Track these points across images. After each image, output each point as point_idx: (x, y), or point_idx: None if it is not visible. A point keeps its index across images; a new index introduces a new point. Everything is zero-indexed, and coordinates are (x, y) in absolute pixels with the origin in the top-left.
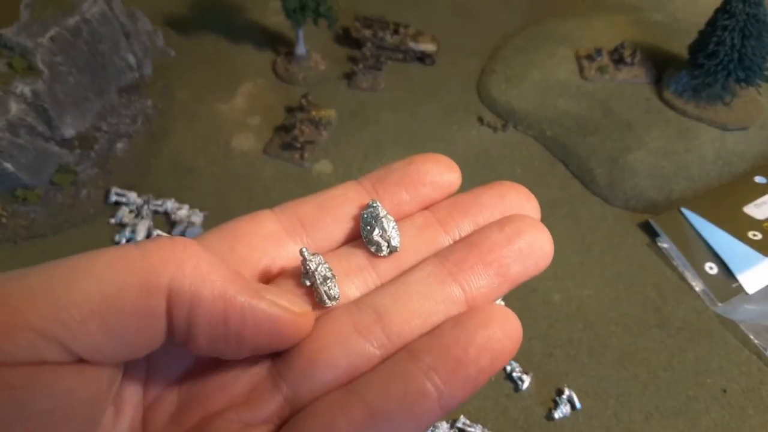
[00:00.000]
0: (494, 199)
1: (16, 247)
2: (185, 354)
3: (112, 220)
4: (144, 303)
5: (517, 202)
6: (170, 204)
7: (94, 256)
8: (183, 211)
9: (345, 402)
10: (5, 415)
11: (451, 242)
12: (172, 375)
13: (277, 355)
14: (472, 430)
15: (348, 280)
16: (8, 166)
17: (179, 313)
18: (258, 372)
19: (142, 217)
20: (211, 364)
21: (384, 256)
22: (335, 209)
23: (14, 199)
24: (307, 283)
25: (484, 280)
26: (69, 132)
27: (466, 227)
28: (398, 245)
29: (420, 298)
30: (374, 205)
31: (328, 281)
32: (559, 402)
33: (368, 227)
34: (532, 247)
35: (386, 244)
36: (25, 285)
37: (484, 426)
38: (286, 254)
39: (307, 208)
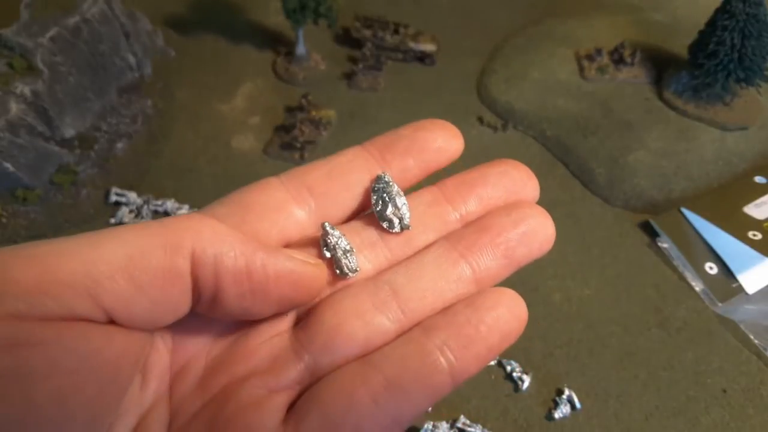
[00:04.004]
0: (498, 176)
1: None
2: (209, 325)
3: (112, 220)
4: (169, 262)
5: (519, 179)
6: (170, 204)
7: (119, 227)
8: (183, 211)
9: (364, 372)
10: (37, 370)
11: (458, 217)
12: (197, 345)
13: (299, 324)
14: (472, 430)
15: (361, 255)
16: (8, 166)
17: (205, 274)
18: (280, 341)
19: (142, 217)
20: (235, 335)
21: (396, 233)
22: (343, 177)
23: (14, 199)
24: (328, 255)
25: (492, 261)
26: (69, 132)
27: (472, 202)
28: (409, 223)
29: (433, 277)
30: (386, 179)
31: (347, 254)
32: (559, 402)
33: (381, 203)
34: (536, 231)
35: (398, 221)
36: (55, 247)
37: (484, 426)
38: (295, 223)
39: (315, 176)
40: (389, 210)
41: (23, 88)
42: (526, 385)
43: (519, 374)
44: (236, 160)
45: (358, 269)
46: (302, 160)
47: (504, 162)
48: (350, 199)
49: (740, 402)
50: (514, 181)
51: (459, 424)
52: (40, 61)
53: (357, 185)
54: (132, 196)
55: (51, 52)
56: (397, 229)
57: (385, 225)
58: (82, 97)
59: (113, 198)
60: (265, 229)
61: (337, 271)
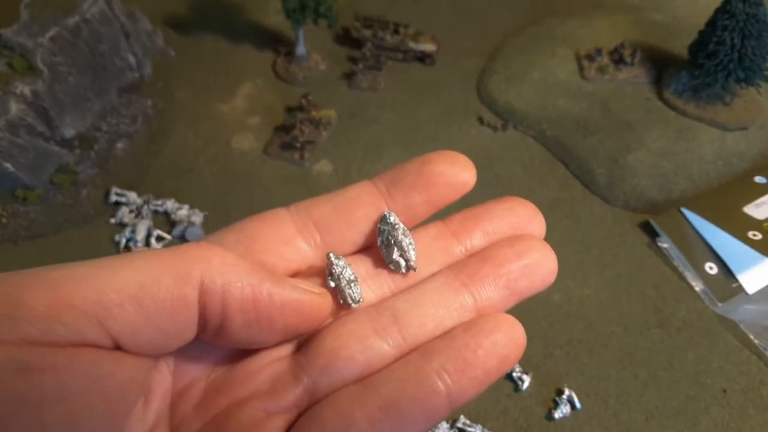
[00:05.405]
0: (504, 211)
1: (16, 247)
2: (211, 348)
3: (112, 220)
4: (178, 291)
5: (525, 215)
6: (170, 204)
7: (132, 254)
8: (183, 211)
9: (362, 395)
10: (48, 395)
11: (464, 251)
12: (198, 367)
13: (300, 350)
14: (472, 430)
15: (365, 285)
16: (8, 166)
17: (213, 304)
18: (280, 366)
19: (142, 217)
20: (236, 358)
21: (402, 274)
22: (350, 213)
23: (14, 199)
24: (332, 284)
25: (493, 292)
26: (69, 132)
27: (477, 237)
28: (416, 266)
29: (434, 305)
30: (390, 221)
31: (351, 284)
32: (559, 402)
33: (386, 246)
34: (539, 264)
35: (405, 263)
36: (69, 273)
37: (484, 426)
38: (300, 257)
39: (322, 210)
40: (395, 253)
41: (23, 88)
42: (526, 385)
43: (519, 374)
44: (236, 160)
45: (361, 299)
46: (302, 160)
47: (511, 199)
48: (355, 236)
49: (740, 402)
50: (519, 217)
51: (459, 424)
52: (40, 61)
53: (363, 222)
54: (132, 196)
55: (51, 52)
56: (403, 271)
57: (391, 267)
58: (82, 97)
59: (113, 198)
60: (271, 260)
61: (341, 301)
